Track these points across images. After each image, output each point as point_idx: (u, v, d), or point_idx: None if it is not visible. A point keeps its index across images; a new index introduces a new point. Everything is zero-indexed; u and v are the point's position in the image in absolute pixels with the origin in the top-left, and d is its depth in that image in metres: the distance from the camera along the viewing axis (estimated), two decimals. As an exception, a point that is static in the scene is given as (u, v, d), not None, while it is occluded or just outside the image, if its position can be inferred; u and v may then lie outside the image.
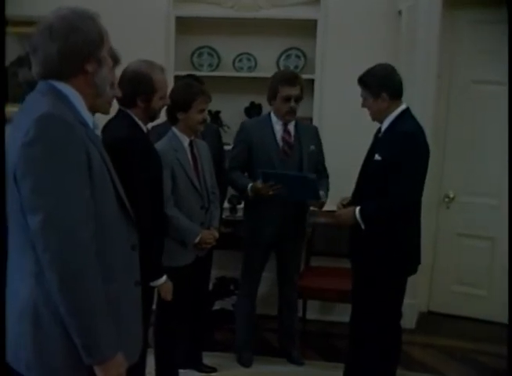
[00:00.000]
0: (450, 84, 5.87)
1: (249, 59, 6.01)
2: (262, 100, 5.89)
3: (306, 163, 4.76)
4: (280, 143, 4.79)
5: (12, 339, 2.23)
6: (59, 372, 2.18)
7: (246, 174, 4.90)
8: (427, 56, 5.51)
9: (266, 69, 5.91)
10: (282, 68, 5.89)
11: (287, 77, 4.70)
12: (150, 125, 3.81)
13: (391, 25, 5.66)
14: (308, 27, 5.82)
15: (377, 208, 3.99)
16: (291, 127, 4.82)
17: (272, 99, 4.75)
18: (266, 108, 5.80)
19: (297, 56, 5.96)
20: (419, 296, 5.91)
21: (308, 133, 4.89)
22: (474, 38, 5.73)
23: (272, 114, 4.84)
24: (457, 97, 5.88)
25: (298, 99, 4.70)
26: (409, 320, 5.51)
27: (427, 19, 5.47)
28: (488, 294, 5.96)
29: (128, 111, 3.60)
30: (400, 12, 5.59)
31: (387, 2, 5.68)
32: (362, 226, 3.99)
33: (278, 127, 4.79)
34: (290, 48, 5.97)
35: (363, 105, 4.15)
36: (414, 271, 4.19)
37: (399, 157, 3.84)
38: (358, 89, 5.40)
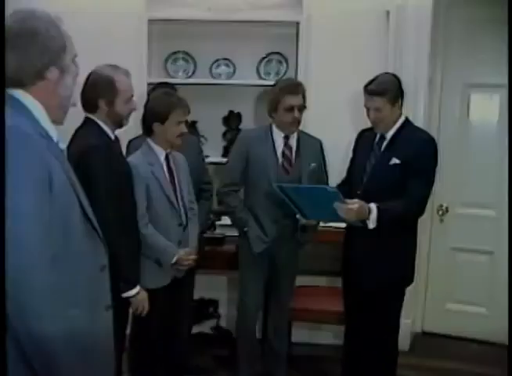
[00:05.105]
0: (442, 89, 5.86)
1: (227, 65, 5.94)
2: (242, 109, 5.88)
3: (306, 182, 4.65)
4: (280, 159, 4.72)
5: None
6: None
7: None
8: (417, 58, 5.48)
9: (246, 75, 5.88)
10: (262, 75, 5.87)
11: (289, 87, 4.63)
12: (127, 139, 3.82)
13: (378, 26, 5.59)
14: (290, 30, 5.79)
15: (397, 208, 4.03)
16: (293, 140, 4.73)
17: (273, 111, 4.65)
18: (246, 117, 5.79)
19: (279, 62, 5.89)
20: (412, 315, 5.88)
21: (311, 148, 4.79)
22: (467, 39, 5.70)
23: (274, 126, 4.75)
24: (450, 102, 5.86)
25: (302, 109, 4.62)
26: (402, 342, 5.40)
27: (417, 19, 5.44)
28: (488, 313, 5.92)
29: (93, 117, 3.69)
30: (388, 13, 5.53)
31: (374, 2, 5.61)
32: (371, 225, 3.96)
33: (279, 140, 4.71)
34: (271, 53, 5.90)
35: (376, 116, 4.16)
36: (413, 279, 4.43)
37: (423, 161, 4.06)
38: (344, 97, 5.43)
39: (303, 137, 4.81)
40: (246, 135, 4.91)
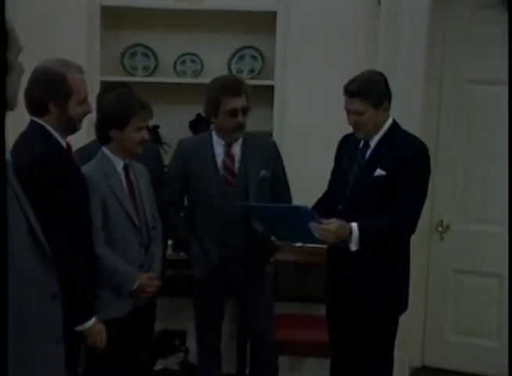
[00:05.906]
0: (441, 87, 5.70)
1: (194, 61, 5.89)
2: (211, 112, 5.83)
3: (253, 194, 4.54)
4: (221, 171, 4.59)
5: None
6: None
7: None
8: (412, 53, 5.39)
9: (215, 73, 5.61)
10: (234, 72, 5.78)
11: (229, 86, 4.48)
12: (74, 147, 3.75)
13: (367, 17, 5.57)
14: (266, 22, 5.71)
15: (382, 227, 3.94)
16: (236, 148, 4.61)
17: (212, 114, 4.49)
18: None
19: (253, 57, 5.88)
20: (410, 348, 5.71)
21: (260, 153, 4.61)
22: (470, 30, 5.52)
23: (213, 133, 4.62)
24: (450, 102, 5.68)
25: (246, 111, 4.48)
26: (399, 378, 5.44)
27: (413, 8, 5.31)
28: (496, 345, 5.70)
29: (41, 121, 3.52)
30: (379, 2, 5.43)
31: (363, -10, 5.42)
32: (353, 247, 3.85)
33: (219, 149, 4.58)
34: (244, 48, 5.88)
35: (356, 120, 4.03)
36: (407, 306, 4.29)
37: (412, 171, 3.96)
38: (327, 97, 5.40)
39: (250, 141, 4.67)
40: (184, 146, 4.79)
